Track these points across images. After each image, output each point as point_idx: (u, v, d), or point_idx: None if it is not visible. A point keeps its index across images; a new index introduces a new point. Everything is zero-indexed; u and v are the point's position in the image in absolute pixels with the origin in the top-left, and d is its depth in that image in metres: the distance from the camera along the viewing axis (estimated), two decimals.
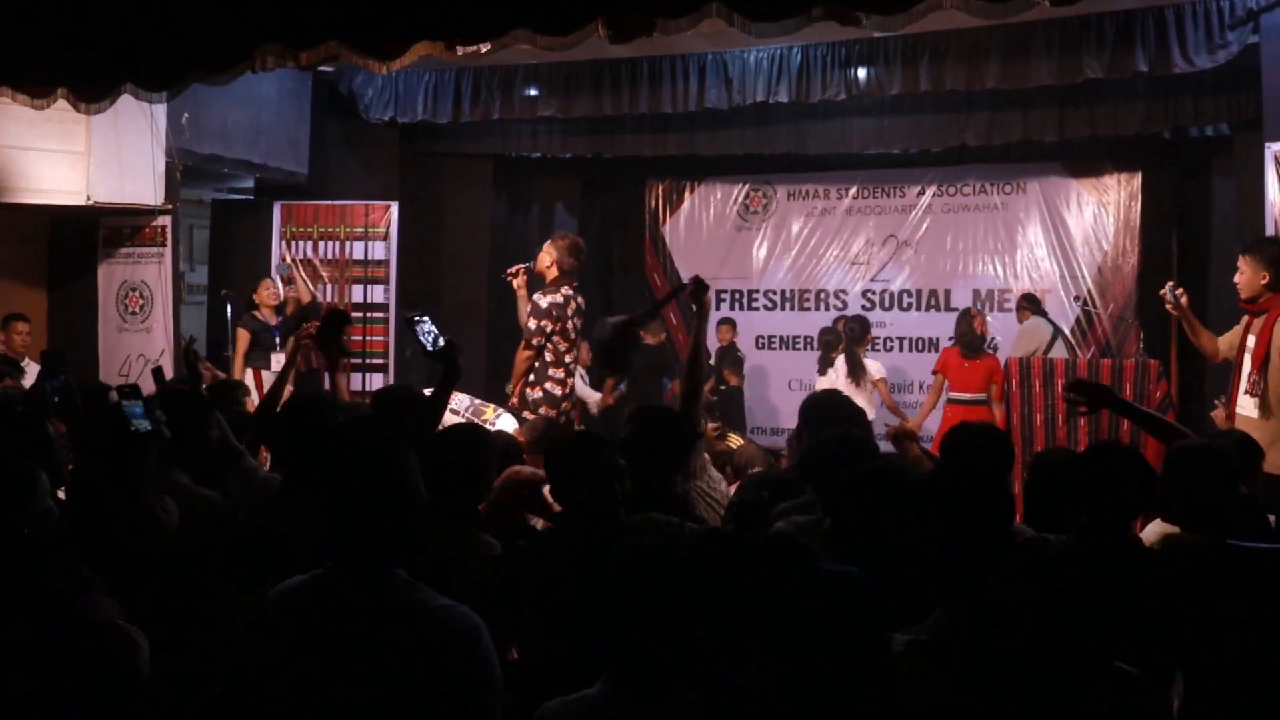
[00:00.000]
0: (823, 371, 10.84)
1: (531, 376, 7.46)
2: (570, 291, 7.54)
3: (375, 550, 2.67)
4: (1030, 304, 10.89)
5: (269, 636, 2.73)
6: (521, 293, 7.81)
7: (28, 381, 7.53)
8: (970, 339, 10.21)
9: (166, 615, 3.22)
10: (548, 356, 7.45)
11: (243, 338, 10.23)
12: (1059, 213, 12.00)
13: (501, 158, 12.74)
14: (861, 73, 9.69)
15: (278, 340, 10.35)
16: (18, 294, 10.14)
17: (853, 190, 12.93)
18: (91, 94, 6.94)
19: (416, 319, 4.90)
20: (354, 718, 2.60)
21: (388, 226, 11.85)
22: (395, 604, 2.64)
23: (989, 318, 11.41)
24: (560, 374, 7.49)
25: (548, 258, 7.59)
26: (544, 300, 7.45)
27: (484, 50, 6.84)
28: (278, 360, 9.90)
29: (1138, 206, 11.67)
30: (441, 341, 4.85)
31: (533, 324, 7.40)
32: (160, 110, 9.51)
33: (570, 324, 7.51)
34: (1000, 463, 4.06)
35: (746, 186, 13.45)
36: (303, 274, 11.39)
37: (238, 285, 10.85)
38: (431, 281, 12.57)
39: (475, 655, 2.64)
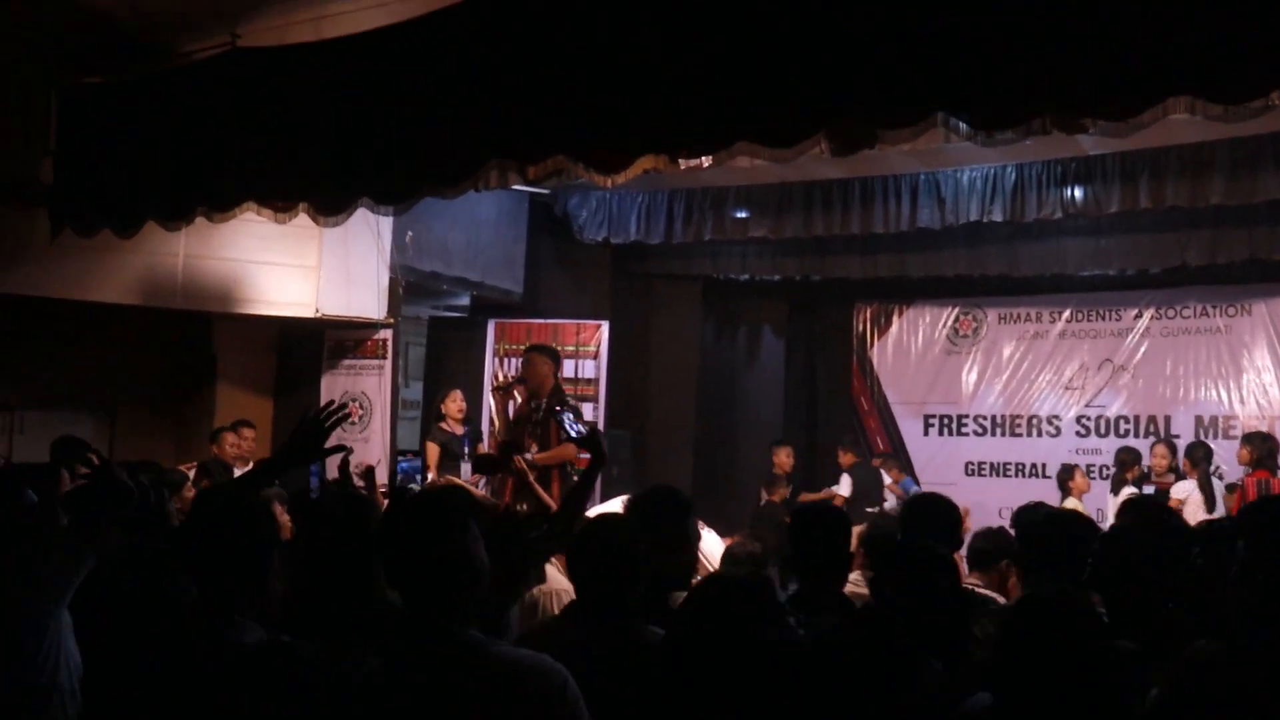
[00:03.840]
0: (1115, 491, 10.31)
1: None
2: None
3: (445, 614, 2.75)
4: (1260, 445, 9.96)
5: (370, 708, 2.77)
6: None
7: None
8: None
9: None
10: None
11: (432, 450, 10.30)
12: None
13: (710, 279, 12.90)
14: (1078, 191, 9.55)
15: (466, 450, 10.47)
16: (247, 401, 10.61)
17: (1066, 313, 12.63)
18: (329, 207, 7.26)
19: (559, 409, 5.18)
20: None
21: (598, 345, 12.05)
22: (479, 659, 2.71)
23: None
24: None
25: None
26: None
27: (705, 165, 6.96)
28: (467, 468, 10.01)
29: None
30: (584, 429, 5.05)
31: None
32: (386, 228, 9.95)
33: None
34: None
35: (956, 310, 13.27)
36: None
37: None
38: (639, 400, 12.70)
39: (563, 703, 2.68)
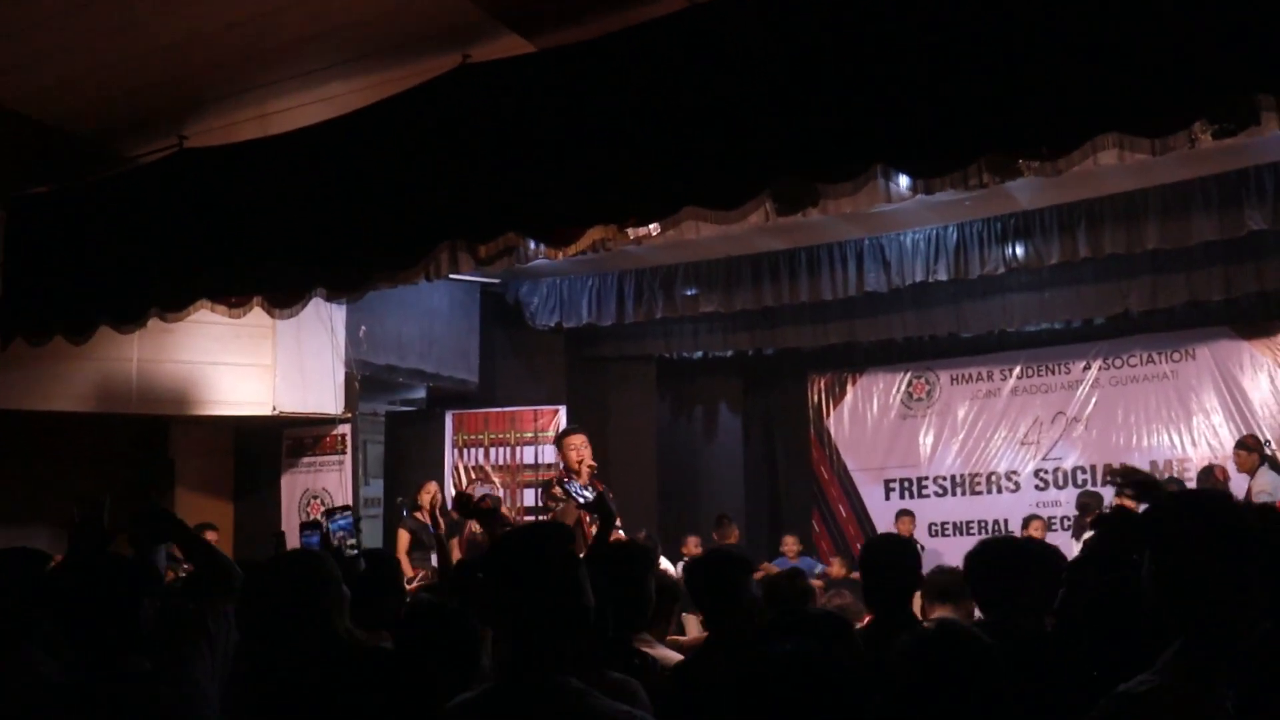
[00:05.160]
0: (1077, 537, 10.36)
1: None
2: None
3: (546, 659, 2.62)
4: (1256, 447, 10.26)
5: None
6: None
7: None
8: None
9: None
10: None
11: (403, 537, 10.31)
12: (1233, 377, 11.69)
13: (665, 359, 13.02)
14: (1019, 246, 9.77)
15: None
16: (206, 505, 10.52)
17: (1016, 370, 12.85)
18: (283, 300, 7.31)
19: (566, 480, 5.32)
20: None
21: (556, 430, 12.06)
22: (571, 712, 2.58)
23: None
24: None
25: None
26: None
27: (654, 234, 7.07)
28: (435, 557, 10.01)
29: None
30: (591, 494, 5.17)
31: None
32: (340, 323, 10.00)
33: None
34: None
35: (909, 374, 13.45)
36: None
37: (413, 494, 11.11)
38: (600, 482, 12.67)
39: None
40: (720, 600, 4.15)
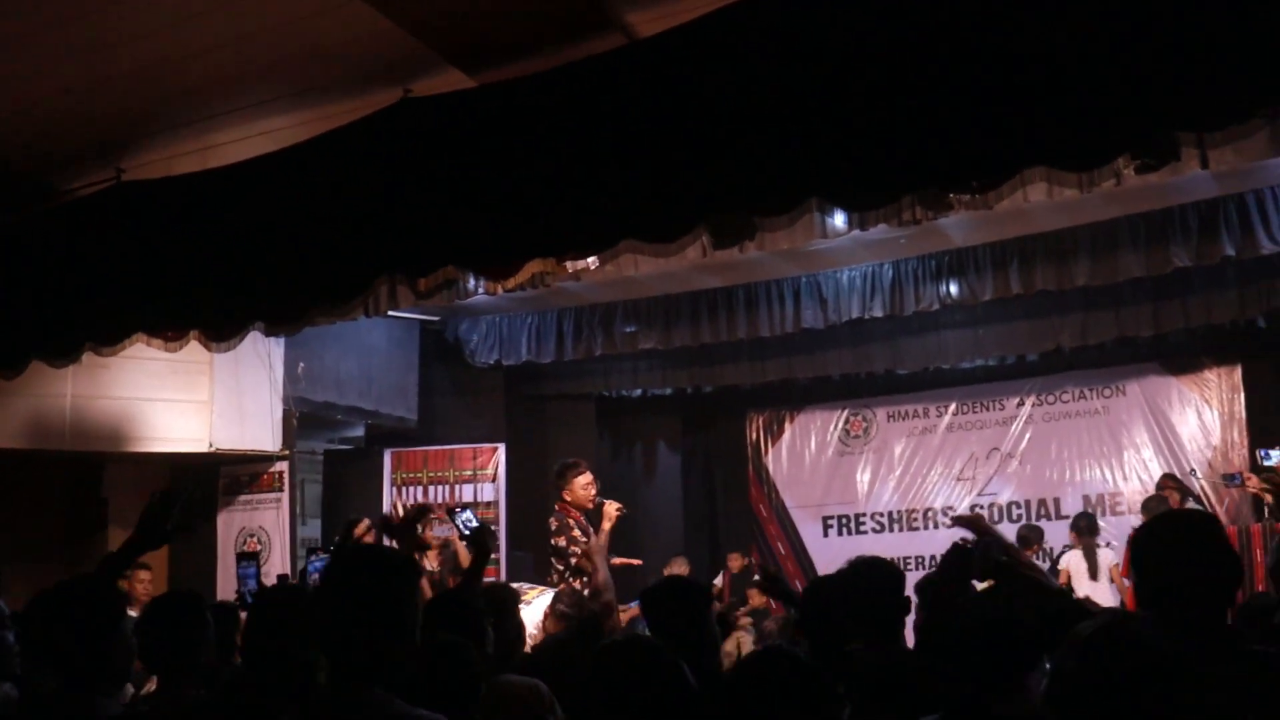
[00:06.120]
0: None
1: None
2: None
3: (362, 668, 2.74)
4: (1176, 484, 10.44)
5: None
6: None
7: None
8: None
9: None
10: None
11: None
12: (1162, 412, 11.94)
13: (604, 397, 13.06)
14: (953, 283, 9.94)
15: None
16: None
17: (952, 407, 13.01)
18: (220, 334, 7.27)
19: (458, 509, 5.35)
20: None
21: (496, 468, 12.10)
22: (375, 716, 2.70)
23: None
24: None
25: None
26: None
27: (593, 267, 7.13)
28: None
29: (1241, 399, 11.58)
30: (475, 524, 5.22)
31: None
32: (278, 360, 9.97)
33: None
34: None
35: (846, 412, 13.59)
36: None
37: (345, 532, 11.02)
38: (540, 521, 12.63)
39: None
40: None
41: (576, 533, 7.40)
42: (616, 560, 7.82)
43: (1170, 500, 10.11)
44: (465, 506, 5.46)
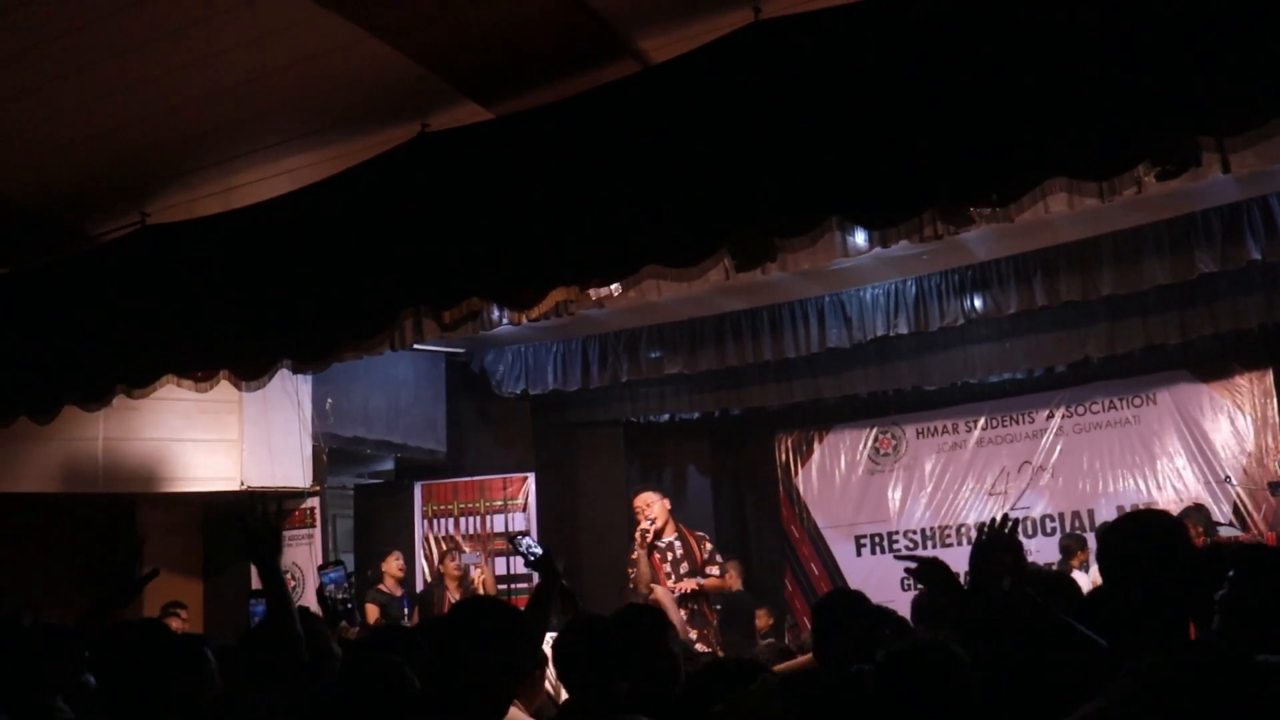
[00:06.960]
0: None
1: None
2: None
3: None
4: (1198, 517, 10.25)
5: None
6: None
7: None
8: None
9: None
10: None
11: (371, 611, 10.23)
12: (1194, 420, 11.81)
13: (631, 423, 13.05)
14: (977, 298, 9.89)
15: (406, 611, 10.45)
16: (175, 583, 10.43)
17: (981, 421, 12.93)
18: (249, 373, 7.33)
19: (520, 536, 5.29)
20: None
21: (526, 497, 12.11)
22: None
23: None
24: None
25: None
26: None
27: (616, 294, 7.13)
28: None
29: (1274, 404, 11.45)
30: (539, 550, 5.16)
31: None
32: (306, 397, 10.01)
33: None
34: None
35: (875, 430, 13.52)
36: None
37: (377, 565, 11.03)
38: (572, 548, 12.66)
39: None
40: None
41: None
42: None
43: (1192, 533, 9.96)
44: (525, 533, 5.40)
